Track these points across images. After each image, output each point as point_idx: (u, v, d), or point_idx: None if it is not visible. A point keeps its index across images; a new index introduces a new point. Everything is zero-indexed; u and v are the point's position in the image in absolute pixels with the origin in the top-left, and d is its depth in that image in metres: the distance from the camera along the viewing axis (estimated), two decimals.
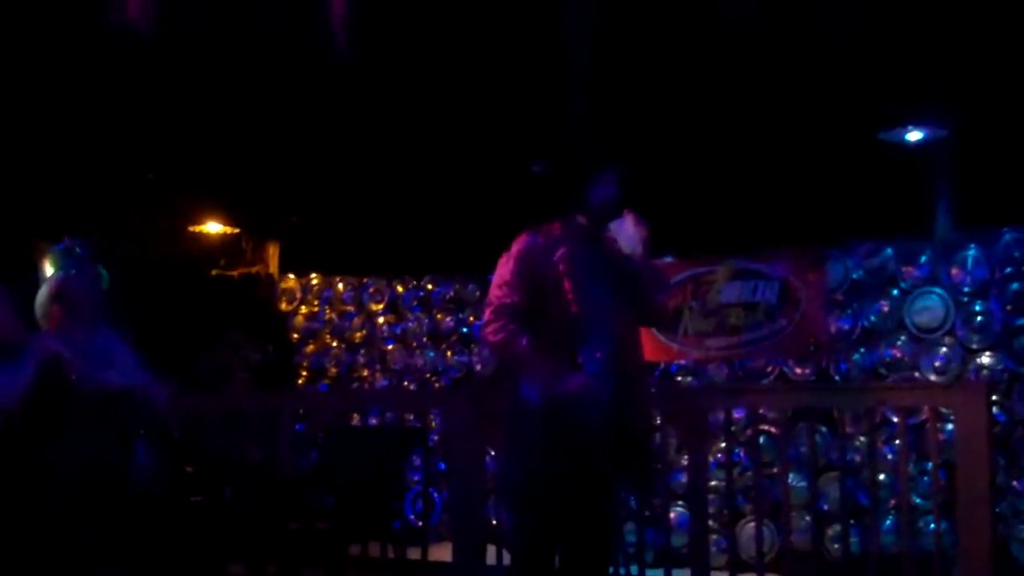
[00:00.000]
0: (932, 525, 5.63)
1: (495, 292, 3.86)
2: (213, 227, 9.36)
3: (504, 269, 3.85)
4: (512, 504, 3.89)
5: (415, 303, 8.97)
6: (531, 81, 6.99)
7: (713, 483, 6.54)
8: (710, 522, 6.25)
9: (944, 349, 6.83)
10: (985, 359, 6.69)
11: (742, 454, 6.79)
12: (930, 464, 5.76)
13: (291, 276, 9.58)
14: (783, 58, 6.81)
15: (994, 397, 6.16)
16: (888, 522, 6.34)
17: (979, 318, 6.78)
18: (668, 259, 8.04)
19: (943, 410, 5.76)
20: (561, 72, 6.62)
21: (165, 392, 4.17)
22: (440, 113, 7.47)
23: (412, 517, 7.59)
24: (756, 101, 7.42)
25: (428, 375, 8.77)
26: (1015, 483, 6.29)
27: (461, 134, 7.67)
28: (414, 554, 6.52)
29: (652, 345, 7.91)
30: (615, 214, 3.89)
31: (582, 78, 7.31)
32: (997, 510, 5.86)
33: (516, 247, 3.87)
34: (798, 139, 7.66)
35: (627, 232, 3.73)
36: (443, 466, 7.08)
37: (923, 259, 7.12)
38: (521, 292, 3.76)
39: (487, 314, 3.83)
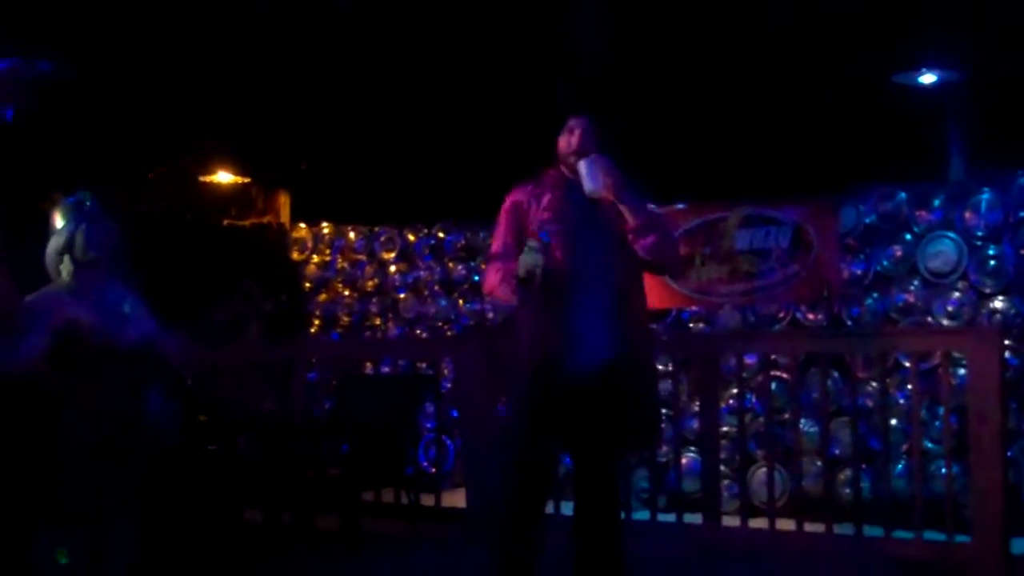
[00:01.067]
0: (944, 469, 5.63)
1: (491, 251, 3.89)
2: (224, 177, 9.36)
3: (499, 225, 3.88)
4: (505, 450, 3.89)
5: (427, 251, 8.97)
6: (541, 25, 6.94)
7: (725, 429, 6.56)
8: (722, 468, 6.28)
9: (957, 294, 6.80)
10: (998, 303, 6.66)
11: (754, 400, 6.80)
12: (942, 409, 5.75)
13: (302, 225, 9.59)
14: (797, 1, 6.74)
15: (1007, 341, 6.14)
16: (900, 467, 6.35)
17: (992, 262, 6.74)
18: (680, 205, 8.01)
19: (955, 354, 5.75)
20: (569, 18, 6.58)
21: (177, 343, 4.18)
22: (450, 58, 7.43)
23: (425, 464, 7.65)
24: (768, 45, 7.35)
25: (440, 323, 8.78)
26: None
27: (471, 79, 7.63)
28: (427, 500, 6.58)
29: (664, 291, 7.91)
30: (593, 148, 3.81)
31: (592, 24, 7.26)
32: (1009, 454, 5.86)
33: (507, 199, 3.88)
34: (811, 83, 7.59)
35: (588, 174, 3.65)
36: (456, 413, 7.10)
37: (936, 203, 7.07)
38: (510, 242, 3.76)
39: (487, 271, 3.88)
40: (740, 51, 7.57)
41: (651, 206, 3.99)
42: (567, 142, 3.82)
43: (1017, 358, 6.39)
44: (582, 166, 3.64)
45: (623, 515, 6.07)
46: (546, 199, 3.76)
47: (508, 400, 3.87)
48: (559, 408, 3.63)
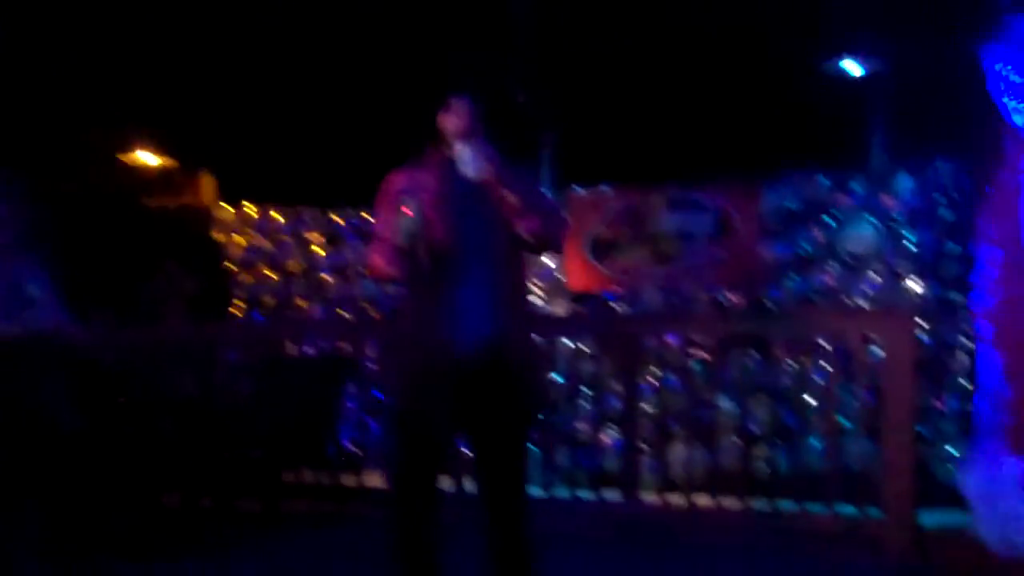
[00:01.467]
0: (857, 446, 5.73)
1: (374, 234, 3.81)
2: (147, 158, 9.23)
3: (379, 208, 3.76)
4: (390, 431, 3.87)
5: (352, 233, 8.91)
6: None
7: (646, 407, 6.61)
8: (642, 445, 6.32)
9: (874, 276, 6.91)
10: (914, 286, 6.78)
11: (674, 379, 6.85)
12: (857, 387, 5.84)
13: (226, 206, 9.47)
14: None
15: (921, 323, 6.27)
16: (815, 443, 6.45)
17: (909, 246, 6.87)
18: (606, 188, 8.05)
19: (871, 335, 5.84)
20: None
21: (84, 330, 4.09)
22: (371, 36, 7.39)
23: (347, 444, 7.60)
24: (698, 32, 7.42)
25: (365, 304, 8.74)
26: (938, 404, 6.42)
27: (392, 59, 7.60)
28: (349, 481, 6.54)
29: (589, 273, 7.96)
30: (477, 131, 3.78)
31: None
32: (921, 431, 5.99)
33: (388, 183, 3.76)
34: (738, 70, 7.67)
35: (467, 159, 3.62)
36: (378, 394, 7.07)
37: (857, 188, 7.18)
38: (384, 224, 3.71)
39: (369, 256, 3.83)
40: (669, 37, 7.63)
41: (539, 188, 3.99)
42: (448, 121, 3.76)
43: (931, 338, 6.52)
44: (462, 152, 3.61)
45: (543, 493, 6.14)
46: (427, 178, 3.71)
47: (394, 379, 3.83)
48: (445, 387, 3.63)
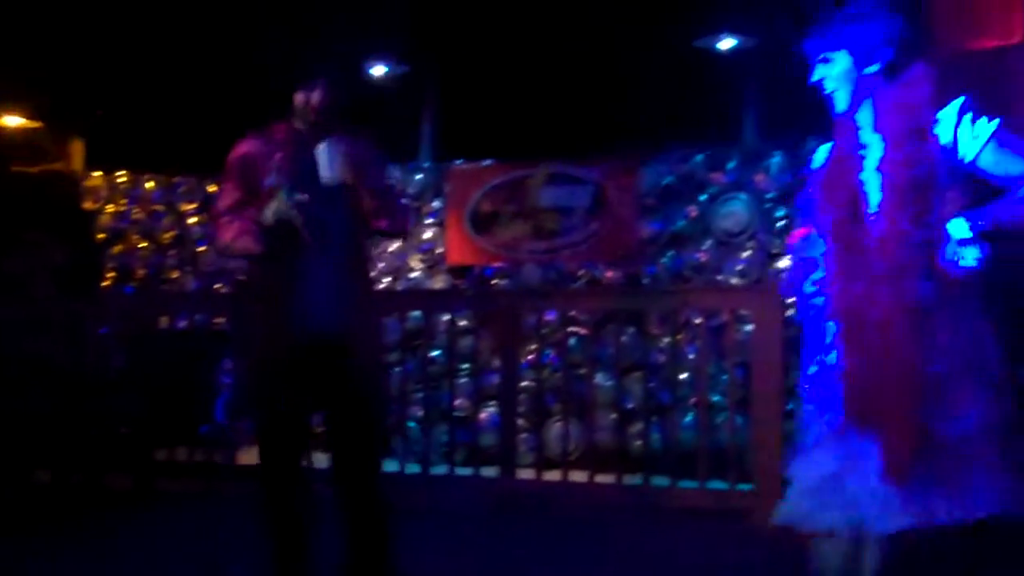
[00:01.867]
0: (728, 420, 5.87)
1: (216, 202, 3.80)
2: (11, 120, 8.90)
3: (224, 177, 3.76)
4: (246, 407, 3.93)
5: None
6: None
7: (524, 384, 6.66)
8: (519, 421, 6.38)
9: (747, 253, 7.07)
10: (785, 263, 6.94)
11: (552, 355, 6.92)
12: (729, 363, 5.98)
13: (97, 173, 9.21)
14: None
15: (791, 301, 6.42)
16: (688, 419, 6.58)
17: (780, 223, 7.03)
18: (487, 162, 8.06)
19: (742, 312, 5.98)
20: None
21: None
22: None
23: (221, 421, 7.50)
24: (574, 7, 7.44)
25: (241, 277, 8.59)
26: None
27: (268, 28, 7.45)
28: (223, 458, 6.46)
29: (468, 248, 7.97)
30: (334, 123, 3.78)
31: None
32: (789, 407, 6.15)
33: (235, 152, 3.74)
34: (615, 45, 7.72)
35: (325, 160, 3.61)
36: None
37: (730, 166, 7.32)
38: (235, 196, 3.69)
39: (212, 222, 3.82)
40: (550, 13, 7.64)
41: (388, 180, 4.04)
42: (306, 99, 3.73)
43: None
44: (319, 151, 3.59)
45: (421, 469, 6.16)
46: (278, 156, 3.68)
47: (244, 356, 3.83)
48: (294, 364, 3.66)
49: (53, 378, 6.54)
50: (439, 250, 8.06)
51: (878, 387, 2.77)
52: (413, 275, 8.03)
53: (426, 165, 8.30)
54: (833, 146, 3.02)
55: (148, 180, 9.08)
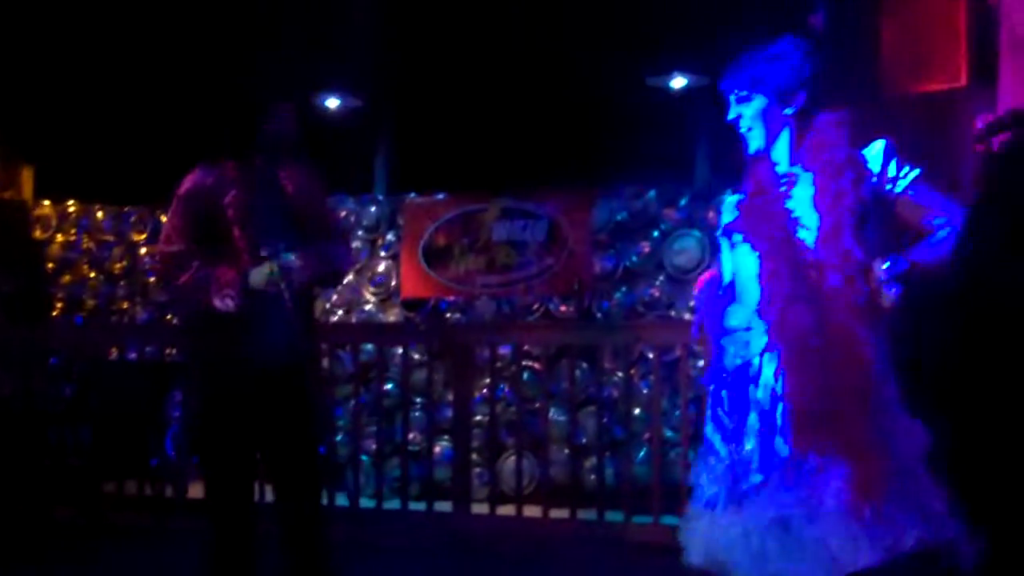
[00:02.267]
0: (682, 455, 5.89)
1: (162, 236, 3.80)
2: None
3: (172, 211, 3.76)
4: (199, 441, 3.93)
5: None
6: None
7: (477, 418, 6.66)
8: (473, 456, 6.38)
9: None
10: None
11: (506, 389, 6.93)
12: (681, 399, 6.02)
13: (46, 202, 9.11)
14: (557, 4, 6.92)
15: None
16: (642, 453, 6.61)
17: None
18: (440, 196, 8.08)
19: (695, 347, 6.02)
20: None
21: None
22: (203, 30, 7.25)
23: (172, 454, 7.42)
24: (531, 45, 7.52)
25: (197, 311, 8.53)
26: None
27: (222, 58, 7.46)
28: (172, 492, 6.39)
29: (422, 281, 7.97)
30: (292, 152, 3.80)
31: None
32: None
33: (184, 186, 3.75)
34: (569, 83, 7.81)
35: (275, 275, 3.68)
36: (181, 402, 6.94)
37: (682, 203, 7.39)
38: (187, 238, 3.69)
39: (157, 259, 3.84)
40: (504, 50, 7.71)
41: (332, 219, 4.17)
42: (268, 129, 3.74)
43: None
44: (264, 273, 3.64)
45: (374, 504, 6.13)
46: (231, 194, 3.68)
47: (197, 393, 3.83)
48: (248, 402, 3.68)
49: (1, 408, 6.46)
50: (393, 283, 8.05)
51: (833, 413, 2.77)
52: (367, 308, 8.02)
53: (380, 198, 8.30)
54: (748, 184, 3.05)
55: (98, 209, 8.99)
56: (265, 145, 3.69)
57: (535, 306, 7.70)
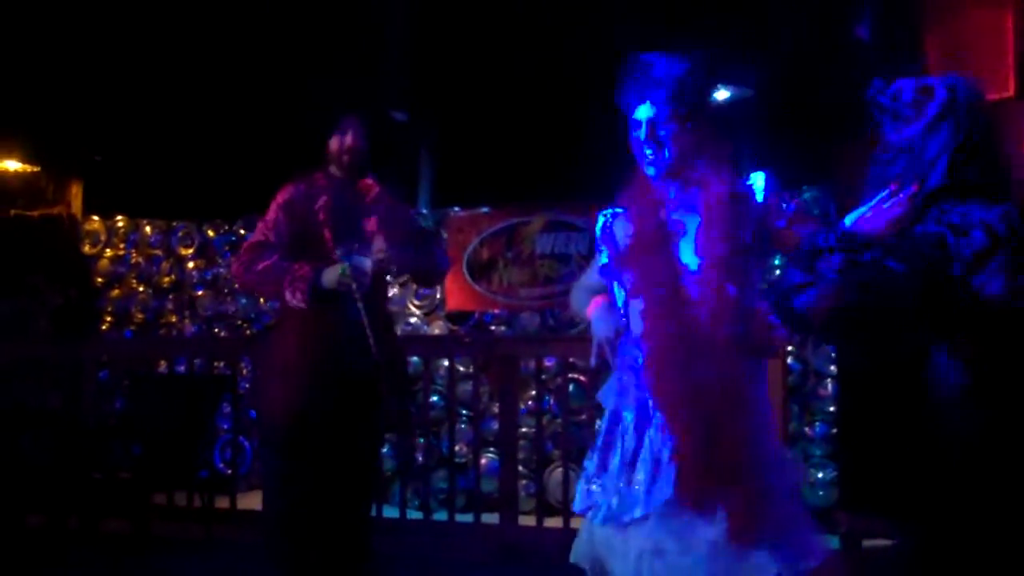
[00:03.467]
0: None
1: (254, 233, 3.94)
2: (11, 164, 8.94)
3: (268, 213, 3.92)
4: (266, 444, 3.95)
5: (226, 248, 8.76)
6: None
7: (523, 430, 6.67)
8: (520, 468, 6.38)
9: None
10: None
11: (552, 401, 6.93)
12: None
13: (95, 218, 9.24)
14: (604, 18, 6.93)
15: (789, 348, 6.47)
16: None
17: (777, 272, 7.05)
18: (485, 209, 8.11)
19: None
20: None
21: None
22: (247, 50, 7.33)
23: (221, 465, 7.49)
24: (573, 56, 7.53)
25: (239, 322, 8.62)
26: (807, 429, 6.62)
27: (267, 75, 7.54)
28: (222, 503, 6.44)
29: (467, 294, 7.99)
30: (366, 165, 3.92)
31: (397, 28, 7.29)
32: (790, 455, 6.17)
33: (282, 196, 3.91)
34: (612, 94, 7.81)
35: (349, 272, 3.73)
36: (253, 414, 6.97)
37: None
38: (276, 234, 3.84)
39: (241, 249, 3.95)
40: (548, 64, 7.74)
41: (416, 226, 4.22)
42: (340, 143, 3.88)
43: (799, 363, 6.73)
44: (343, 271, 3.71)
45: (421, 515, 6.15)
46: (321, 201, 3.82)
47: (276, 402, 3.85)
48: (330, 409, 3.72)
49: (51, 422, 6.53)
50: (437, 296, 8.09)
51: (716, 461, 2.73)
52: (412, 320, 8.05)
53: (424, 212, 8.35)
54: (632, 219, 2.97)
55: (146, 224, 9.10)
56: (335, 159, 3.84)
57: (580, 318, 7.69)
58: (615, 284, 3.03)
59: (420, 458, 6.63)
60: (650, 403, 2.85)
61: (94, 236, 9.18)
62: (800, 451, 6.59)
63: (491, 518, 6.01)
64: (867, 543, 5.45)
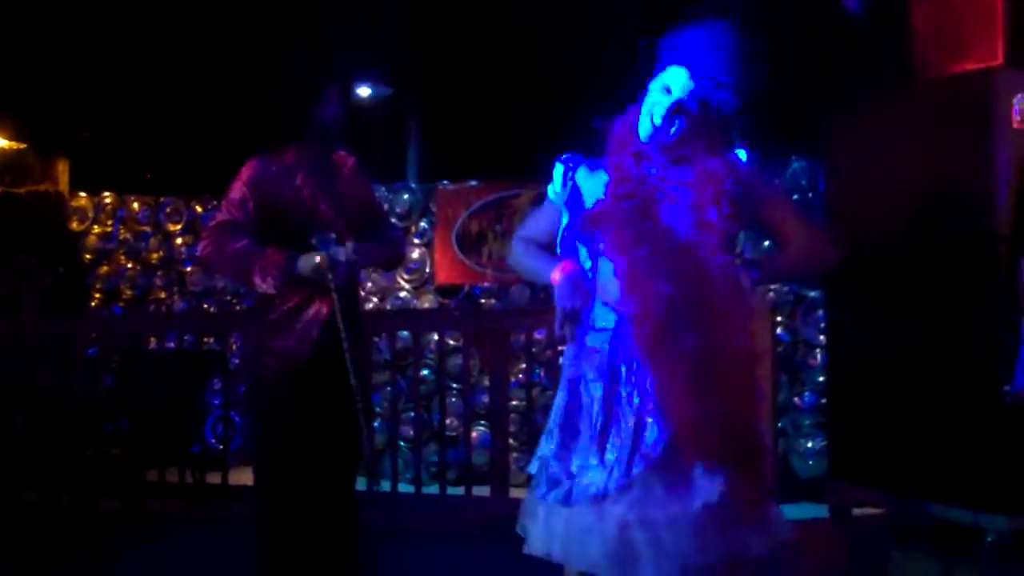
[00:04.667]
0: None
1: (220, 209, 3.78)
2: None
3: (232, 190, 3.74)
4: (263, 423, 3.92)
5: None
6: None
7: (514, 403, 6.68)
8: (510, 441, 6.40)
9: None
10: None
11: (542, 374, 6.95)
12: None
13: (83, 194, 9.20)
14: None
15: (779, 318, 6.49)
16: None
17: (767, 243, 7.06)
18: (473, 183, 8.10)
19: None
20: None
21: None
22: (231, 23, 7.29)
23: (212, 441, 7.50)
24: (557, 29, 7.51)
25: (229, 297, 8.61)
26: (796, 400, 6.65)
27: (252, 48, 7.50)
28: (214, 479, 6.46)
29: (457, 268, 8.00)
30: (340, 137, 3.83)
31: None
32: (780, 425, 6.21)
33: (247, 173, 3.74)
34: (605, 69, 7.78)
35: (327, 262, 3.67)
36: (244, 389, 6.99)
37: None
38: (246, 212, 3.68)
39: (210, 227, 3.79)
40: (536, 35, 7.71)
41: (379, 209, 4.13)
42: (327, 112, 3.77)
43: (788, 334, 6.75)
44: (320, 259, 3.65)
45: (413, 489, 6.18)
46: (299, 178, 3.73)
47: (269, 391, 3.81)
48: (317, 394, 3.72)
49: (41, 398, 6.53)
50: (427, 270, 8.09)
51: (714, 414, 2.65)
52: (401, 295, 8.05)
53: (412, 185, 8.33)
54: (610, 167, 2.87)
55: (134, 201, 9.06)
56: (318, 130, 3.74)
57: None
58: (579, 245, 2.88)
59: (411, 432, 6.65)
60: (623, 370, 2.75)
61: (81, 213, 9.14)
62: (789, 421, 6.62)
63: (482, 491, 6.04)
64: (857, 512, 5.50)
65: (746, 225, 2.92)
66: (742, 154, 2.92)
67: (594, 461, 2.76)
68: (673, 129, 2.82)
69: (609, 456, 2.74)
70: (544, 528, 2.84)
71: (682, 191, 2.82)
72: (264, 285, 3.62)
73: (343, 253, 3.63)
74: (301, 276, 3.61)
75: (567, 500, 2.77)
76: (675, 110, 2.83)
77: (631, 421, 2.73)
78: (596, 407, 2.79)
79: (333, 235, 3.65)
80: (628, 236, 2.76)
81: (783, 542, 2.73)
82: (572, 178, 2.96)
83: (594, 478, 2.74)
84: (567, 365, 2.91)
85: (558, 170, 3.01)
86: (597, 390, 2.80)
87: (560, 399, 2.91)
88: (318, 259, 3.59)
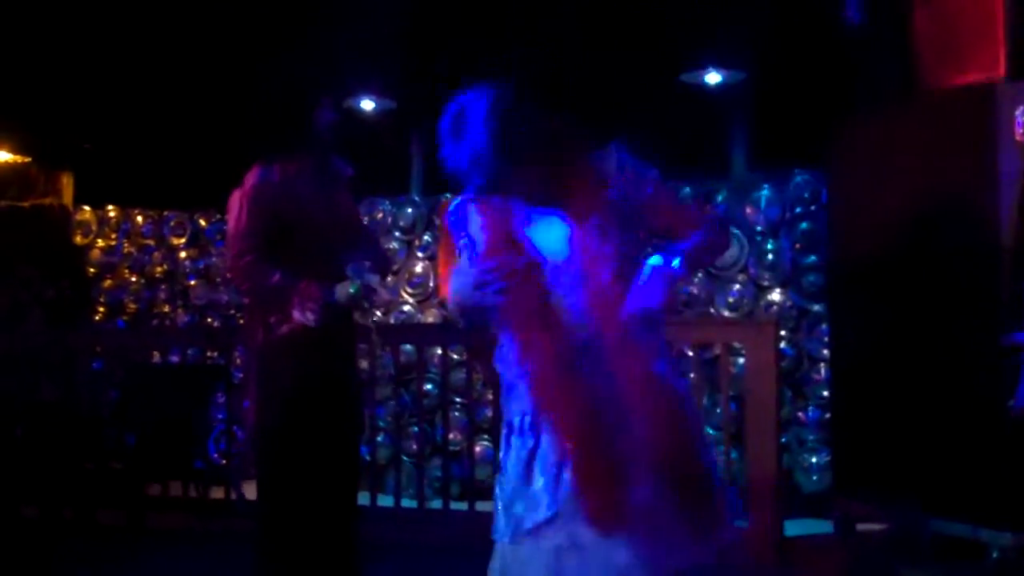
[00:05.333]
0: (723, 455, 5.88)
1: (231, 240, 3.75)
2: (1, 155, 8.91)
3: (239, 211, 3.70)
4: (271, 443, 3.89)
5: (219, 237, 8.73)
6: None
7: None
8: None
9: (737, 286, 7.09)
10: (775, 296, 6.98)
11: None
12: (722, 397, 6.00)
13: (86, 208, 9.21)
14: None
15: (783, 332, 6.47)
16: None
17: (770, 256, 7.06)
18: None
19: (735, 344, 6.01)
20: None
21: None
22: (234, 36, 7.31)
23: (215, 456, 7.49)
24: (561, 42, 7.51)
25: (232, 311, 8.61)
26: (800, 414, 6.63)
27: (256, 61, 7.51)
28: (217, 493, 6.45)
29: None
30: (335, 141, 3.85)
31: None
32: (783, 440, 6.18)
33: (249, 183, 3.71)
34: (604, 80, 7.78)
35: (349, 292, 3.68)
36: (248, 404, 6.97)
37: (719, 199, 7.36)
38: (257, 240, 3.66)
39: (229, 260, 3.77)
40: (536, 48, 7.70)
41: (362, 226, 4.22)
42: (326, 121, 3.79)
43: (792, 348, 6.73)
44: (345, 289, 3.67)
45: (416, 504, 6.16)
46: (304, 187, 3.73)
47: (287, 410, 3.79)
48: (324, 414, 3.73)
49: (44, 412, 6.53)
50: (430, 284, 8.07)
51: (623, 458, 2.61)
52: (405, 308, 8.04)
53: (416, 199, 8.32)
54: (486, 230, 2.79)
55: (138, 214, 9.07)
56: (316, 140, 3.76)
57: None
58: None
59: (414, 446, 6.64)
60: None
61: (85, 226, 9.15)
62: (794, 436, 6.60)
63: (486, 506, 6.00)
64: (861, 527, 5.48)
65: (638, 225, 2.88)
66: (612, 151, 2.86)
67: (524, 488, 2.72)
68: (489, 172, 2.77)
69: (535, 485, 2.70)
70: (499, 567, 2.81)
71: (548, 217, 2.75)
72: (303, 318, 3.61)
73: (376, 279, 3.64)
74: (339, 305, 3.62)
75: (510, 537, 2.74)
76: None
77: (551, 452, 2.68)
78: (525, 433, 2.76)
79: (367, 263, 3.65)
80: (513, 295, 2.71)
81: (727, 550, 2.69)
82: (463, 218, 2.86)
83: (527, 508, 2.71)
84: (504, 401, 2.92)
85: (450, 212, 2.91)
86: (527, 420, 2.78)
87: (504, 439, 2.88)
88: (351, 288, 3.60)
